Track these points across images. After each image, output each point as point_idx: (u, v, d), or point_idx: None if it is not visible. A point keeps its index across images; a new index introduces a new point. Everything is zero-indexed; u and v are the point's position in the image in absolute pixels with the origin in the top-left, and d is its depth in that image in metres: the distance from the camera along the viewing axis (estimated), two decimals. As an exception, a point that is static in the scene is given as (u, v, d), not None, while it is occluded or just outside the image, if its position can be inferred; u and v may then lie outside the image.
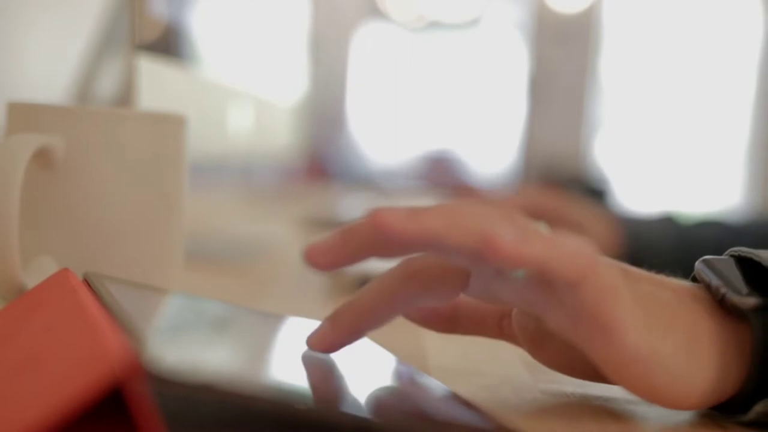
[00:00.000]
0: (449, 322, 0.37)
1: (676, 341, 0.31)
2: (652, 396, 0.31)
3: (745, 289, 0.32)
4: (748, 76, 4.60)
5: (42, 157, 0.39)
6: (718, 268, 0.33)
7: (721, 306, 0.33)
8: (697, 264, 0.34)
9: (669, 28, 4.73)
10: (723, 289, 0.32)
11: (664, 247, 0.73)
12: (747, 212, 0.81)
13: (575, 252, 0.29)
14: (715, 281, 0.33)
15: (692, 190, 4.69)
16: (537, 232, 0.30)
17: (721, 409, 0.33)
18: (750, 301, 0.31)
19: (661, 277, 0.34)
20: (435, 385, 0.31)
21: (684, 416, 0.34)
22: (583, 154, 4.81)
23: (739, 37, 4.59)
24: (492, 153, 5.15)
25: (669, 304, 0.32)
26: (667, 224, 0.75)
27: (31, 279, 0.39)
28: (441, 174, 5.12)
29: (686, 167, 4.74)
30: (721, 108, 4.68)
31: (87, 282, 0.34)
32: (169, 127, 0.42)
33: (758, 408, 0.31)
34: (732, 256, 0.34)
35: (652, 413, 0.34)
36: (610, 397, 0.36)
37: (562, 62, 4.80)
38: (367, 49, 5.26)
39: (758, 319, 0.31)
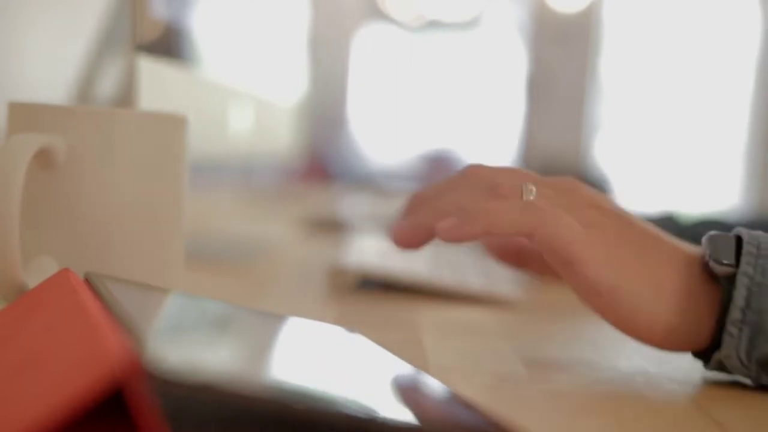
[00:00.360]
0: (518, 258, 0.49)
1: (642, 283, 0.38)
2: (618, 324, 0.39)
3: (726, 260, 0.37)
4: (746, 77, 4.61)
5: (43, 158, 0.39)
6: (716, 241, 0.38)
7: (706, 271, 0.39)
8: (705, 236, 0.39)
9: (668, 28, 4.74)
10: (707, 258, 0.38)
11: None
12: (745, 212, 0.82)
13: (513, 217, 0.38)
14: (707, 251, 0.38)
15: (691, 190, 4.70)
16: (485, 211, 0.39)
17: (700, 358, 0.40)
18: (724, 269, 0.37)
19: (662, 236, 0.40)
20: (435, 385, 0.31)
21: (682, 414, 0.34)
22: (582, 154, 4.81)
23: (737, 37, 4.60)
24: (491, 152, 5.15)
25: (649, 255, 0.39)
26: (668, 223, 0.76)
27: (32, 279, 0.39)
28: (441, 173, 5.13)
29: (685, 168, 4.75)
30: (720, 109, 4.69)
31: (88, 282, 0.34)
32: (169, 127, 0.42)
33: (716, 357, 0.38)
34: (736, 234, 0.39)
35: (653, 413, 0.34)
36: (610, 397, 0.36)
37: (562, 62, 4.80)
38: (367, 49, 5.27)
39: (728, 285, 0.38)
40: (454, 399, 0.29)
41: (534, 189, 0.40)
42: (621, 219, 0.39)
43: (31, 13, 1.01)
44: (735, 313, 0.36)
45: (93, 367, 0.21)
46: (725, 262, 0.37)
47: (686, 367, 0.42)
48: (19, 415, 0.20)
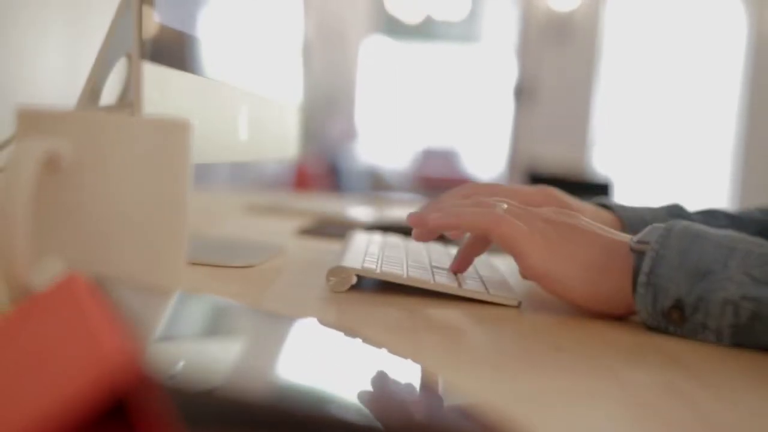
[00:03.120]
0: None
1: (570, 266, 0.52)
2: (558, 296, 0.54)
3: (645, 240, 0.51)
4: (734, 83, 4.64)
5: (49, 161, 0.40)
6: (650, 229, 0.52)
7: (632, 251, 0.51)
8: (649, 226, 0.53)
9: (665, 29, 4.74)
10: (631, 240, 0.52)
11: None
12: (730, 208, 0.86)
13: (478, 217, 0.54)
14: (637, 236, 0.52)
15: (683, 190, 4.73)
16: (461, 209, 0.55)
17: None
18: (642, 247, 0.51)
19: (600, 233, 0.54)
20: (434, 386, 0.31)
21: (679, 417, 0.35)
22: (581, 152, 4.81)
23: (727, 45, 4.62)
24: (489, 150, 5.16)
25: (577, 246, 0.53)
26: (676, 212, 0.79)
27: (38, 279, 0.39)
28: (440, 169, 5.13)
29: (678, 168, 4.77)
30: (711, 115, 4.73)
31: (95, 285, 0.35)
32: (174, 131, 0.43)
33: (641, 317, 0.51)
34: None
35: (654, 414, 0.35)
36: (610, 398, 0.37)
37: (560, 62, 4.80)
38: (371, 52, 5.27)
39: (640, 259, 0.50)
40: (453, 399, 0.30)
41: (505, 205, 0.55)
42: (562, 225, 0.54)
43: (39, 20, 1.02)
44: (642, 278, 0.50)
45: (91, 372, 0.21)
46: (644, 241, 0.51)
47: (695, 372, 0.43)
48: (16, 416, 0.21)
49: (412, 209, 1.01)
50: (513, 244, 0.53)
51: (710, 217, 0.80)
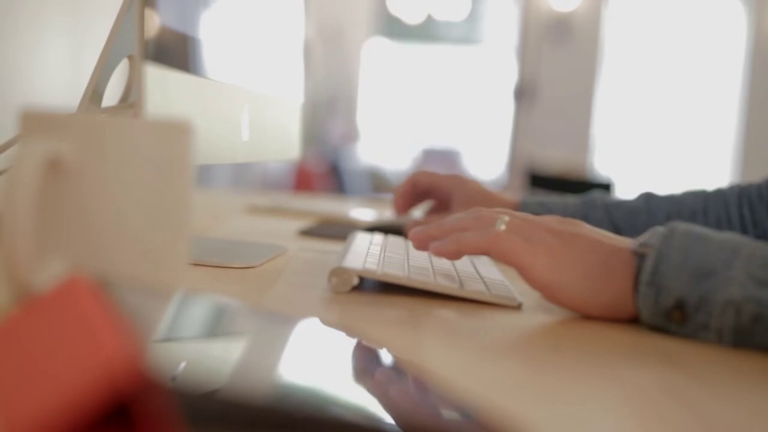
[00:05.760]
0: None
1: (575, 276, 0.53)
2: (563, 305, 0.54)
3: (649, 243, 0.51)
4: (734, 82, 4.64)
5: (52, 163, 0.40)
6: (652, 232, 0.52)
7: (634, 256, 0.52)
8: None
9: (665, 29, 4.74)
10: (634, 244, 0.52)
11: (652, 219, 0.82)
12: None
13: (476, 239, 0.55)
14: (640, 239, 0.52)
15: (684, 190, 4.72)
16: (459, 235, 0.55)
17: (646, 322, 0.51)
18: (645, 249, 0.51)
19: (602, 239, 0.54)
20: (434, 386, 0.32)
21: (679, 417, 0.35)
22: (582, 152, 4.81)
23: (726, 44, 4.62)
24: (490, 151, 5.15)
25: (581, 254, 0.53)
26: (590, 202, 0.84)
27: (41, 280, 0.39)
28: (440, 170, 5.12)
29: (679, 169, 4.77)
30: (712, 114, 4.72)
31: (97, 286, 0.35)
32: (176, 133, 0.43)
33: (643, 316, 0.51)
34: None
35: (654, 414, 0.35)
36: (610, 398, 0.37)
37: (560, 63, 4.79)
38: (371, 53, 5.27)
39: (642, 260, 0.51)
40: (453, 399, 0.30)
41: (507, 219, 0.56)
42: (564, 233, 0.54)
43: (40, 19, 1.02)
44: (644, 276, 0.50)
45: (93, 373, 0.21)
46: (647, 244, 0.51)
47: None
48: (18, 417, 0.21)
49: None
50: (514, 259, 0.53)
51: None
